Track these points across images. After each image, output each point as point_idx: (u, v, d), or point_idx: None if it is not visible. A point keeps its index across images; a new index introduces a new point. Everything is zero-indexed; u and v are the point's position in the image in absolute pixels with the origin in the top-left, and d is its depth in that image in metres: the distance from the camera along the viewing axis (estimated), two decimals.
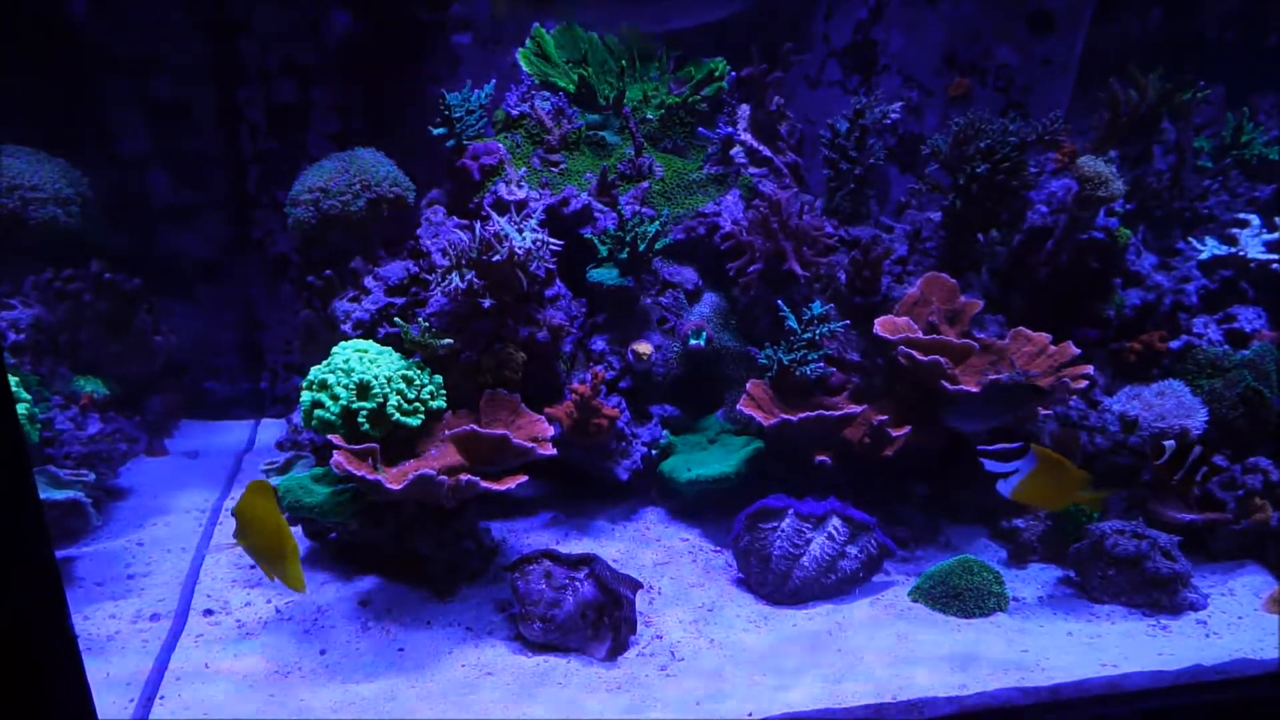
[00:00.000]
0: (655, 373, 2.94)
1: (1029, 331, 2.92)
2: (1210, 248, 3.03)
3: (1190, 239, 3.10)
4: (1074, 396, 2.91)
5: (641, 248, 2.78)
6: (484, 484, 2.20)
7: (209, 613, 2.34)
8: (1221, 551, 2.75)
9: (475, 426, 2.29)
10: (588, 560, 2.33)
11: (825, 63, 3.39)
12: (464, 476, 2.19)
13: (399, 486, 2.16)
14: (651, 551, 2.74)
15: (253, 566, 2.47)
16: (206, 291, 3.22)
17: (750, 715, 1.98)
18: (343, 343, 2.50)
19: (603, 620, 2.28)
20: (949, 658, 2.22)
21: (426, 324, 2.48)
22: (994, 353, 2.94)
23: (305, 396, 2.42)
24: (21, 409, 2.21)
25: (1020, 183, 2.85)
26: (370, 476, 2.15)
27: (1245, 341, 3.06)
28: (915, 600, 2.55)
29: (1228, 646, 2.28)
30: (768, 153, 3.26)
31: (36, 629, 1.27)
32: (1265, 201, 3.30)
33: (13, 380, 2.22)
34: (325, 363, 2.44)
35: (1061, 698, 2.10)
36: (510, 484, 2.26)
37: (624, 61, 3.12)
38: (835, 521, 2.56)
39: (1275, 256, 3.12)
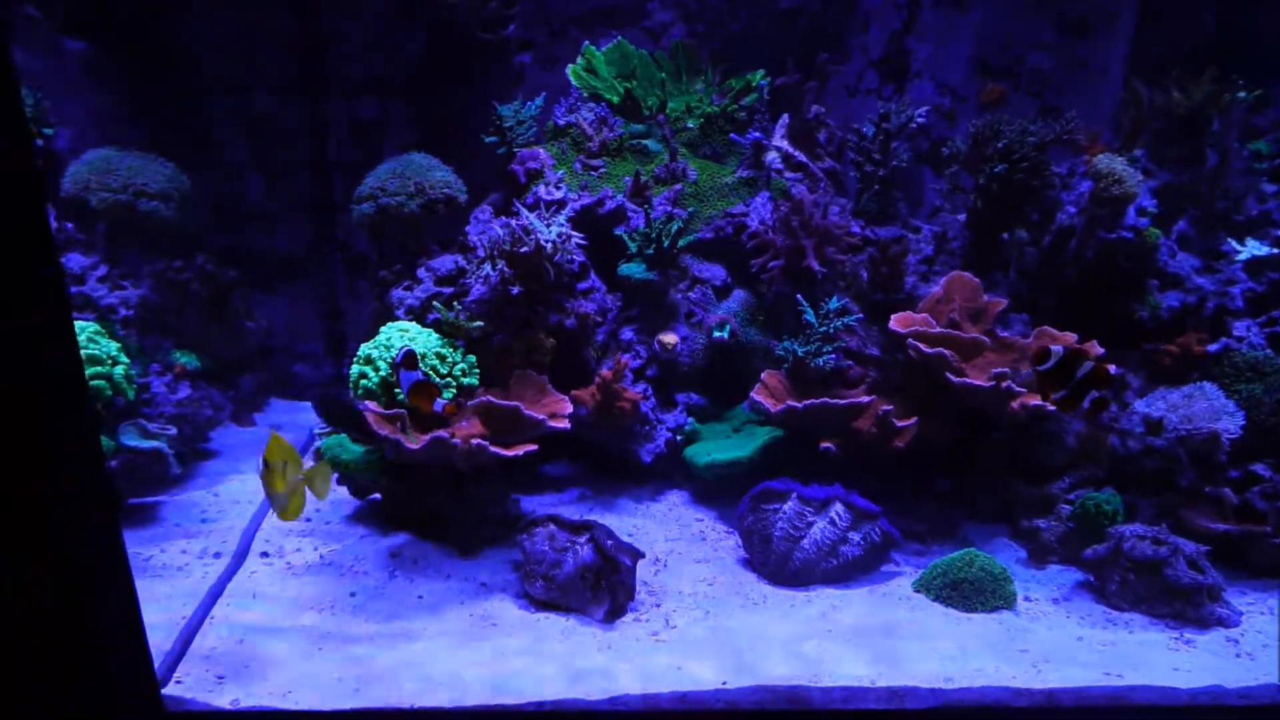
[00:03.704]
0: (681, 362, 3.12)
1: (1054, 330, 2.93)
2: (1250, 248, 2.95)
3: (1231, 240, 3.03)
4: None
5: (666, 244, 2.98)
6: (492, 449, 2.44)
7: (265, 555, 2.67)
8: (1262, 566, 2.66)
9: (491, 397, 2.54)
10: (588, 526, 2.52)
11: (864, 72, 3.51)
12: (474, 440, 2.43)
13: (416, 446, 2.43)
14: (666, 529, 2.91)
15: (307, 519, 2.80)
16: (294, 285, 3.64)
17: (725, 684, 2.10)
18: (390, 323, 2.81)
19: (600, 584, 2.46)
20: (940, 650, 2.24)
21: (459, 308, 2.76)
22: (1016, 351, 2.97)
23: (354, 369, 2.74)
24: (119, 370, 2.62)
25: (1042, 182, 2.89)
26: (392, 435, 2.43)
27: None
28: (917, 590, 2.61)
29: (1257, 669, 2.19)
30: (803, 158, 3.40)
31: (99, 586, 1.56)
32: None
33: (114, 346, 2.64)
34: (372, 340, 2.75)
35: (1057, 703, 2.03)
36: (518, 450, 2.49)
37: (663, 74, 3.34)
38: (838, 507, 2.66)
39: None
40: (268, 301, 3.62)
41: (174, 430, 2.67)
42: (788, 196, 3.23)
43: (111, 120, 3.19)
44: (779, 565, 2.66)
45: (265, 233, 3.57)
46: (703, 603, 2.54)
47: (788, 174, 3.40)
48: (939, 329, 2.74)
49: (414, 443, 2.45)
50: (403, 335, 2.72)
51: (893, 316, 2.90)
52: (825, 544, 2.63)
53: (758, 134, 3.17)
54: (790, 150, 3.39)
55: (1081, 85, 3.29)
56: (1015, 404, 2.65)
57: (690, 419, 3.13)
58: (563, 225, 2.80)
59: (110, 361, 2.61)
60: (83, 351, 2.55)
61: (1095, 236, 2.82)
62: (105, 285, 2.74)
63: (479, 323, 2.77)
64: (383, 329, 2.78)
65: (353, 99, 3.49)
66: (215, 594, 2.41)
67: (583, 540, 2.49)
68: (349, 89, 3.47)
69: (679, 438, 3.10)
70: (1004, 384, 2.58)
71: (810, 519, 2.65)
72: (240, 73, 3.37)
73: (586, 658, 2.22)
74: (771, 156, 3.42)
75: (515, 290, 2.76)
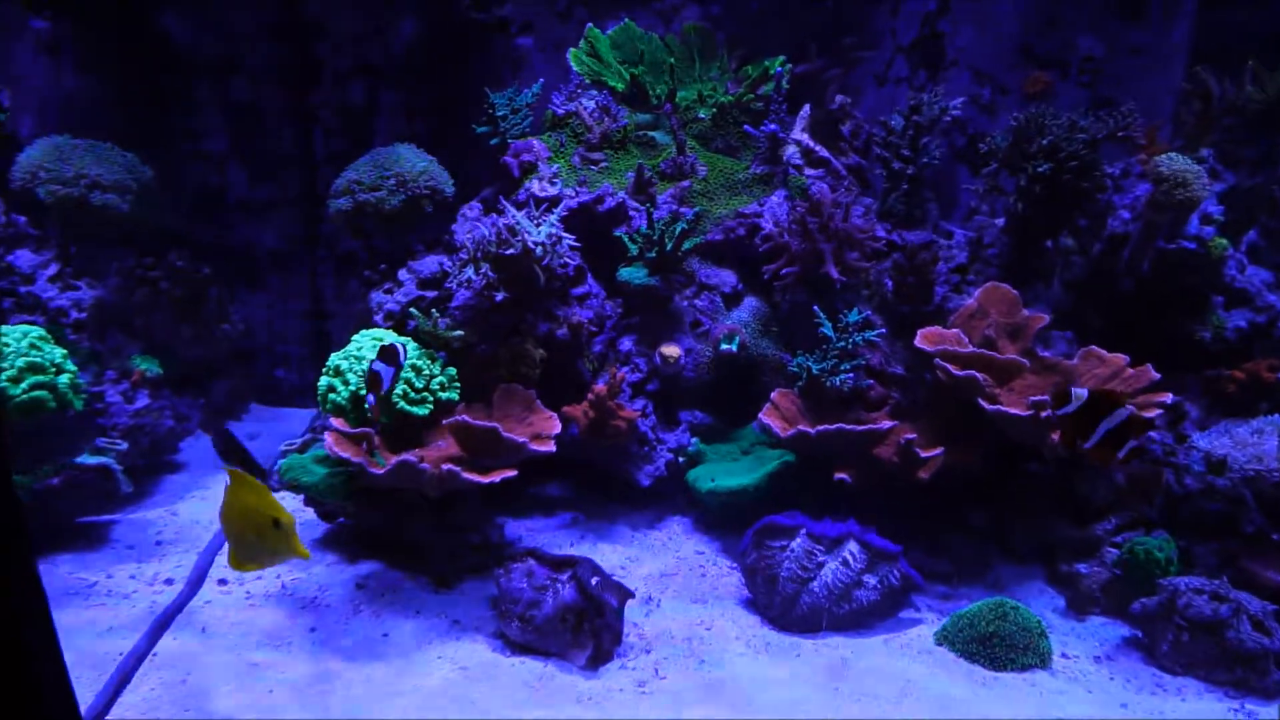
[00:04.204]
0: (685, 377, 2.85)
1: (1102, 351, 2.62)
2: None
3: None
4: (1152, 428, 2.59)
5: (670, 246, 2.70)
6: (465, 475, 2.19)
7: (223, 582, 2.45)
8: None
9: (466, 417, 2.29)
10: (571, 562, 2.27)
11: (893, 59, 3.19)
12: (445, 466, 2.18)
13: (381, 471, 2.19)
14: (661, 561, 2.64)
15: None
16: (278, 282, 3.42)
17: None
18: (363, 331, 2.56)
19: (583, 626, 2.21)
20: (961, 717, 1.98)
21: (437, 315, 2.50)
22: (1059, 373, 2.66)
23: (322, 381, 2.50)
24: (64, 379, 2.40)
25: (1092, 184, 2.57)
26: (355, 459, 2.19)
27: None
28: (939, 643, 2.32)
29: None
30: (825, 153, 3.11)
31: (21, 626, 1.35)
32: None
33: (59, 353, 2.42)
34: (344, 350, 2.51)
35: None
36: (494, 478, 2.24)
37: (672, 60, 3.06)
38: (852, 546, 2.38)
39: None
40: (250, 300, 3.40)
41: (124, 445, 2.45)
42: (806, 195, 2.93)
43: (80, 106, 2.98)
44: (785, 609, 2.38)
45: (249, 227, 3.35)
46: (698, 649, 2.28)
47: (808, 170, 3.11)
48: (970, 348, 2.44)
49: (379, 467, 2.20)
50: (375, 345, 2.48)
51: (920, 332, 2.60)
52: (837, 588, 2.35)
53: (773, 126, 2.87)
54: (810, 144, 3.10)
55: (1138, 75, 2.95)
56: (1056, 435, 2.35)
57: (694, 439, 2.86)
58: (554, 226, 2.53)
59: (54, 370, 2.39)
60: (23, 359, 2.33)
61: (1152, 246, 2.49)
62: (56, 285, 2.52)
63: (459, 332, 2.51)
64: (355, 337, 2.54)
65: (341, 85, 3.25)
66: (161, 626, 2.18)
67: (564, 578, 2.24)
68: (337, 75, 3.23)
69: (681, 459, 2.82)
70: (1043, 413, 2.28)
71: (821, 559, 2.37)
72: (221, 56, 3.14)
73: (559, 709, 1.97)
74: (790, 151, 3.13)
75: (500, 297, 2.50)
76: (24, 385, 2.32)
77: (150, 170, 2.80)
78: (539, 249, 2.49)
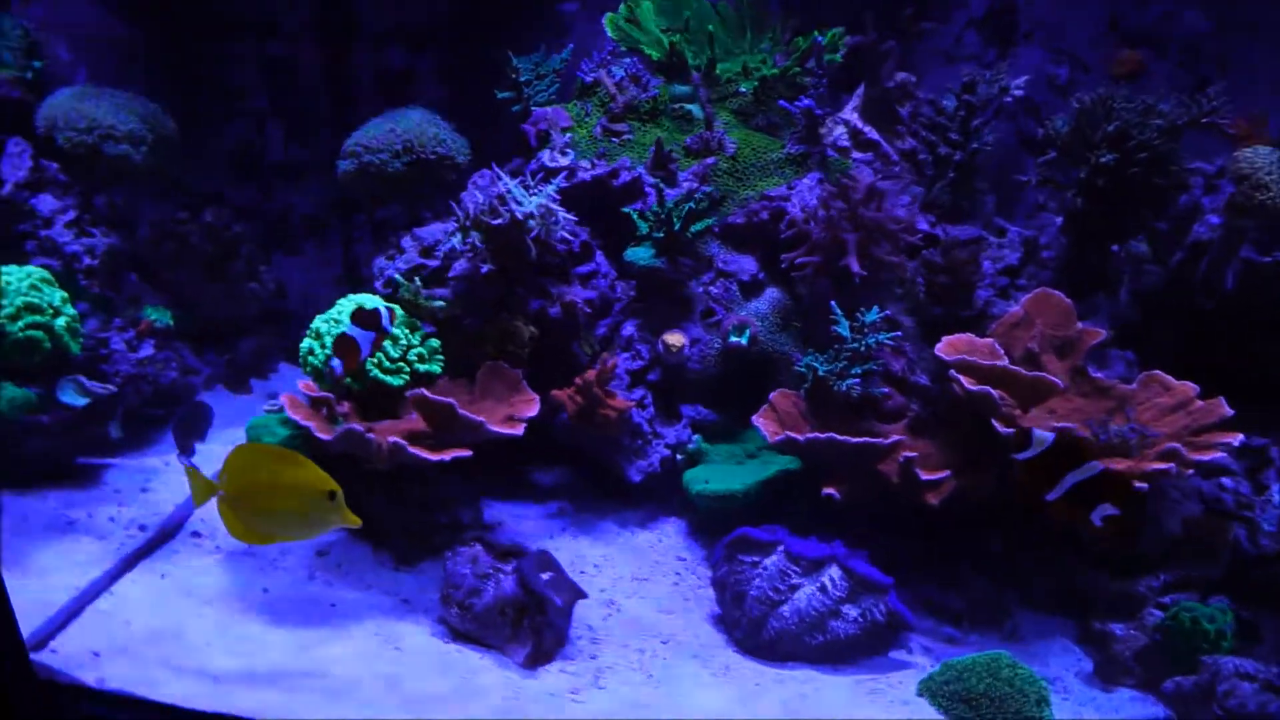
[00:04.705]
0: (689, 368, 2.64)
1: (1167, 378, 2.24)
2: None
3: None
4: (1220, 474, 2.21)
5: (677, 226, 2.50)
6: (412, 449, 2.08)
7: (196, 535, 2.44)
8: None
9: (424, 391, 2.18)
10: (516, 553, 2.13)
11: (963, 34, 2.85)
12: (391, 438, 2.08)
13: (329, 438, 2.11)
14: (638, 563, 2.46)
15: None
16: (312, 248, 3.42)
17: None
18: (349, 295, 2.50)
19: (523, 622, 2.07)
20: None
21: (419, 283, 2.41)
22: (1113, 398, 2.30)
23: (304, 343, 2.45)
24: (61, 322, 2.45)
25: (1168, 180, 2.18)
26: (304, 422, 2.12)
27: None
28: (921, 693, 2.03)
29: None
30: (874, 135, 2.81)
31: None
32: None
33: (59, 296, 2.47)
34: (326, 313, 2.45)
35: None
36: (445, 455, 2.13)
37: (712, 27, 2.83)
38: (834, 571, 2.13)
39: None
40: (287, 264, 3.41)
41: (113, 389, 2.47)
42: (845, 179, 2.66)
43: (130, 58, 3.06)
44: (751, 631, 2.16)
45: (287, 188, 3.36)
46: (648, 663, 2.09)
47: (855, 154, 2.82)
48: (992, 362, 2.12)
49: (327, 433, 2.13)
50: (385, 307, 2.40)
51: (946, 339, 2.30)
52: (810, 615, 2.10)
53: (808, 101, 2.61)
54: (859, 125, 2.81)
55: (1251, 56, 2.49)
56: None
57: (696, 436, 2.65)
58: (549, 197, 2.38)
59: (52, 312, 2.43)
60: (22, 299, 2.39)
61: (1234, 258, 2.10)
62: (72, 231, 2.58)
63: (440, 303, 2.40)
64: (340, 301, 2.48)
65: (379, 47, 3.20)
66: (121, 568, 2.20)
67: (508, 569, 2.10)
68: (375, 37, 3.18)
69: (680, 457, 2.62)
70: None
71: (796, 581, 2.13)
72: (261, 14, 3.14)
73: (475, 705, 1.86)
74: (838, 132, 2.85)
75: (485, 268, 2.37)
76: (20, 324, 2.37)
77: (172, 122, 2.82)
78: (530, 221, 2.34)
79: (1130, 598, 2.22)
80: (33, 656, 1.73)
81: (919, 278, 2.47)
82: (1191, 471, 2.15)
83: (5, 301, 2.36)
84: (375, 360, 2.35)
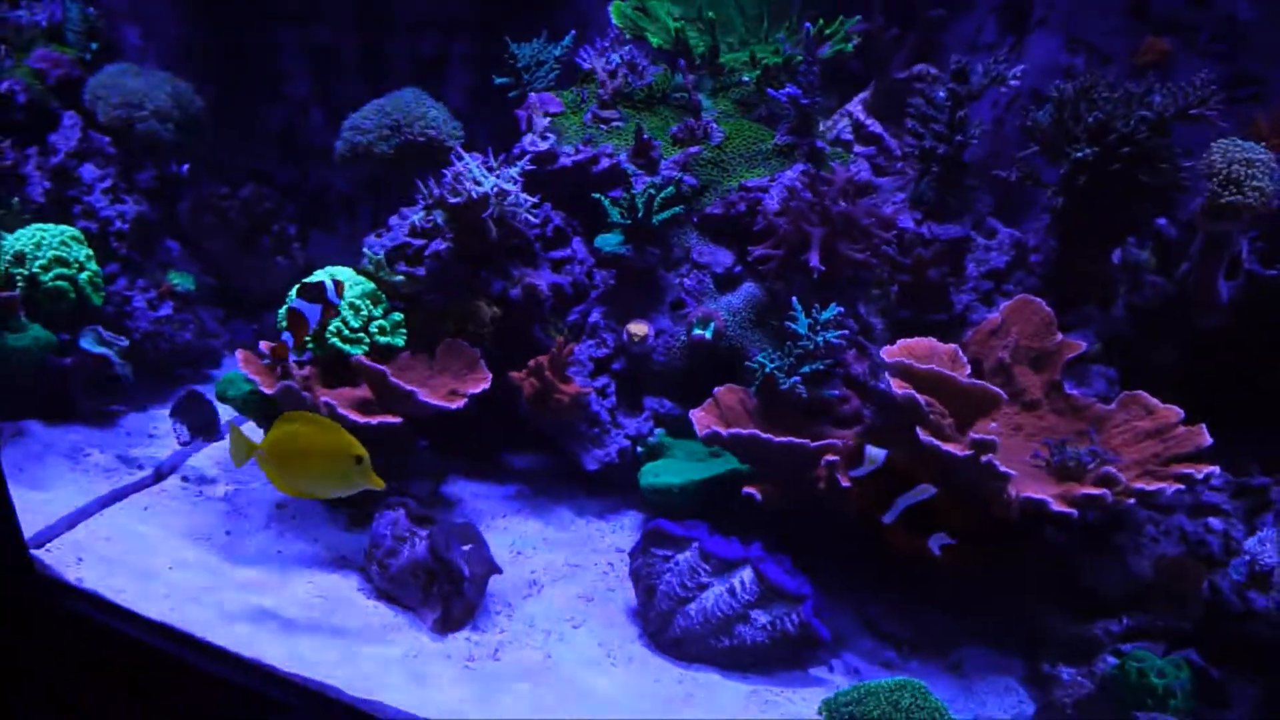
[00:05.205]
0: (654, 359, 2.59)
1: (1151, 399, 2.02)
2: None
3: None
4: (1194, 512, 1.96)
5: (641, 214, 2.46)
6: (341, 410, 2.16)
7: (185, 480, 2.64)
8: None
9: (362, 358, 2.25)
10: (430, 520, 2.16)
11: (983, 22, 2.64)
12: (324, 397, 2.16)
13: (270, 391, 2.22)
14: (573, 552, 2.43)
15: None
16: (346, 227, 3.58)
17: None
18: (326, 268, 2.61)
19: (432, 588, 2.10)
20: None
21: (382, 256, 2.48)
22: (1086, 419, 2.09)
23: (282, 309, 2.58)
24: (84, 276, 2.70)
25: (1156, 178, 1.95)
26: (251, 375, 2.24)
27: None
28: (821, 711, 1.90)
29: None
30: (877, 128, 2.67)
31: None
32: None
33: (85, 252, 2.72)
34: (302, 281, 2.57)
35: None
36: (371, 419, 2.19)
37: (712, 14, 2.76)
38: (746, 574, 2.03)
39: None
40: (324, 243, 3.59)
41: (124, 341, 2.70)
42: (824, 172, 2.53)
43: (186, 45, 3.31)
44: (659, 626, 2.09)
45: (326, 169, 3.54)
46: (552, 644, 2.09)
47: (858, 148, 2.69)
48: (928, 366, 1.96)
49: (269, 387, 2.24)
50: (330, 279, 2.51)
51: (901, 341, 2.15)
52: (715, 617, 2.02)
53: (794, 89, 2.50)
54: (862, 117, 2.67)
55: None
56: (1012, 491, 1.82)
57: (658, 430, 2.60)
58: (509, 179, 2.40)
59: (78, 266, 2.70)
60: (53, 252, 2.66)
61: (1216, 268, 1.85)
62: (107, 198, 2.82)
63: (400, 278, 2.47)
64: (317, 272, 2.59)
65: (414, 34, 3.33)
66: (114, 497, 2.47)
67: (423, 535, 2.14)
68: (409, 24, 3.31)
69: (640, 449, 2.58)
70: (984, 457, 1.77)
71: (705, 580, 2.05)
72: (304, 5, 3.33)
73: (367, 657, 1.95)
74: (842, 125, 2.73)
75: (441, 246, 2.42)
76: (50, 275, 2.65)
77: (201, 101, 3.04)
78: (486, 201, 2.37)
79: (1086, 642, 2.00)
80: (31, 552, 2.05)
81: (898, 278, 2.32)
82: (1171, 504, 1.92)
83: (40, 254, 2.63)
84: (335, 329, 2.44)
